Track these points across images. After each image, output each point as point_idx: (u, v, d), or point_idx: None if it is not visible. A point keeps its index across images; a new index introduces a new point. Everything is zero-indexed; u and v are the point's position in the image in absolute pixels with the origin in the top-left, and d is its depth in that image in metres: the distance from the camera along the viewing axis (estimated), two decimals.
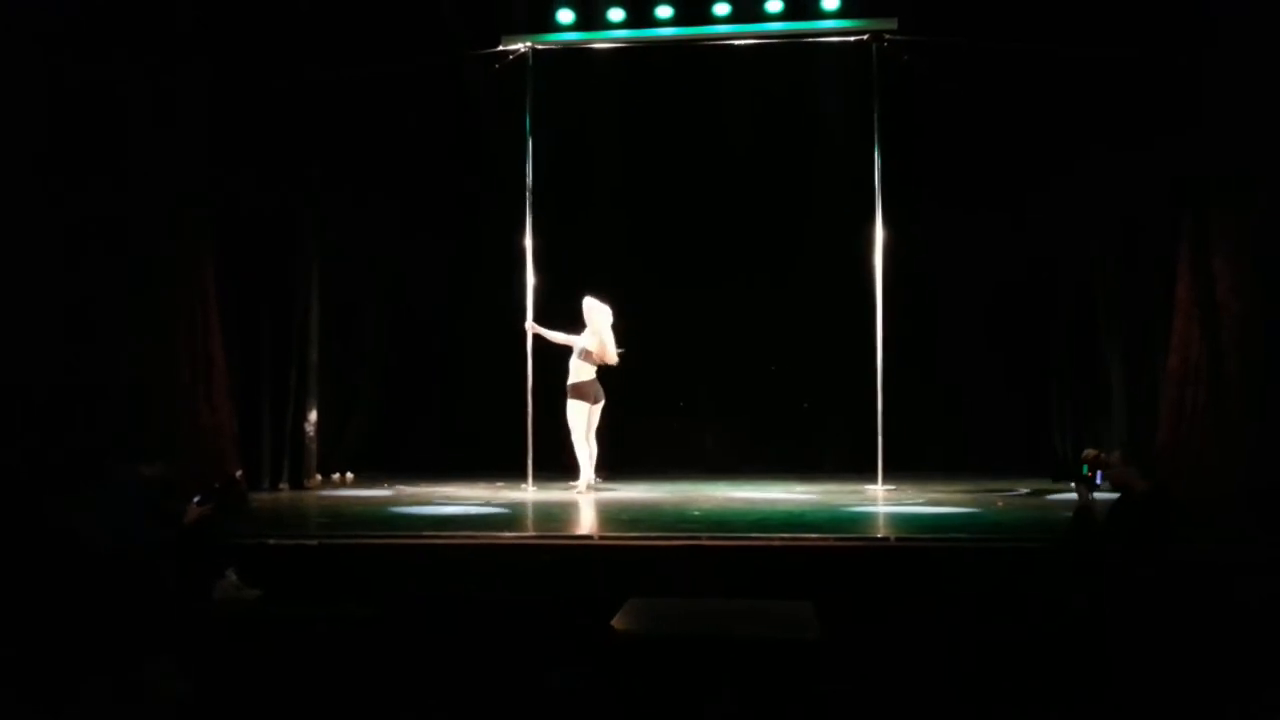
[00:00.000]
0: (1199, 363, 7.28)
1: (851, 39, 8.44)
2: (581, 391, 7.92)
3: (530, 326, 8.37)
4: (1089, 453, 4.99)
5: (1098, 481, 4.94)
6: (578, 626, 4.37)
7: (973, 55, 8.13)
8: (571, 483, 8.06)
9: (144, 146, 7.08)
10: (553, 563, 5.30)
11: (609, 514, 6.91)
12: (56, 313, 6.50)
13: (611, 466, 8.55)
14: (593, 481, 8.03)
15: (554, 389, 8.30)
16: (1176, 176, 7.65)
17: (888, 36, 8.26)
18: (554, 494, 7.99)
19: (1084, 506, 4.81)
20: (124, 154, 6.95)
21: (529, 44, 8.56)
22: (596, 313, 7.89)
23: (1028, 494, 7.73)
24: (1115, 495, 4.85)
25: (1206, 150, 7.30)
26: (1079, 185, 8.80)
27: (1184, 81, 7.37)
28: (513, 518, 6.78)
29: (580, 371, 7.94)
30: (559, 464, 8.36)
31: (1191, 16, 7.23)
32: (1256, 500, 6.29)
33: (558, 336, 8.18)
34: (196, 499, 5.08)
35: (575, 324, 8.09)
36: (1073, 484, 4.92)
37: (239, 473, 6.68)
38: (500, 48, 8.55)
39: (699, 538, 5.53)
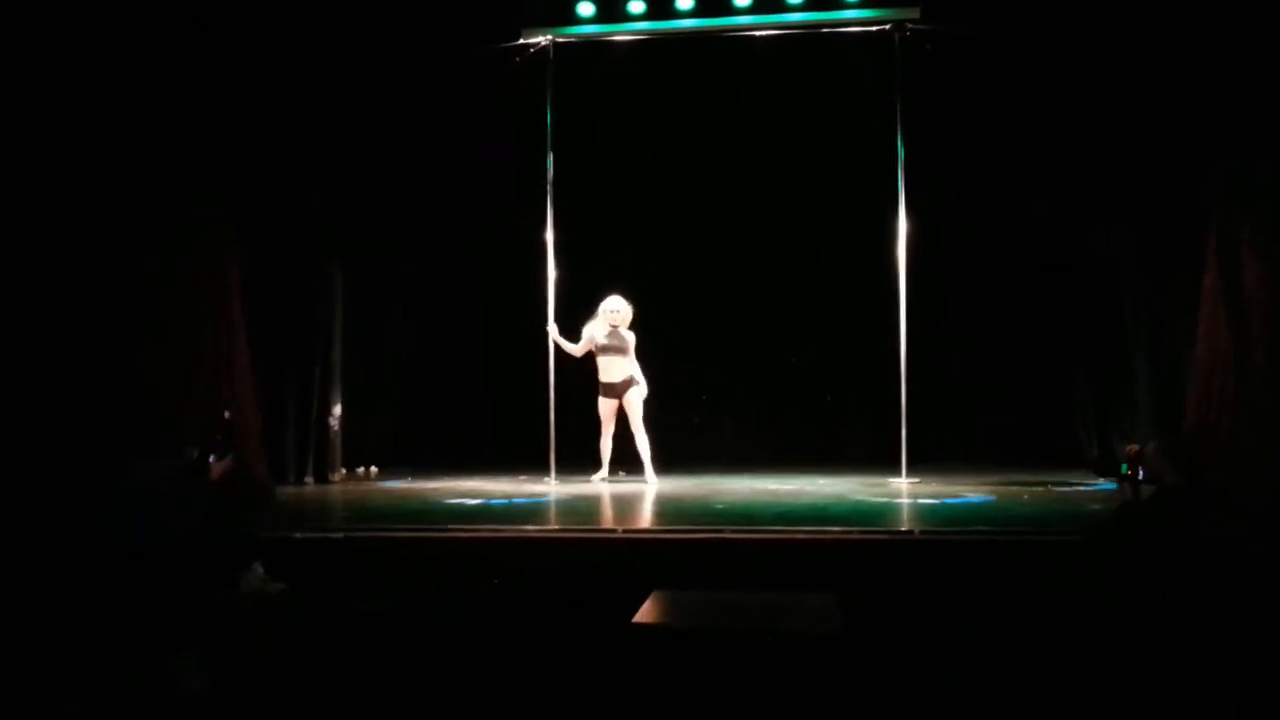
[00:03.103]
0: (1227, 351, 7.21)
1: (874, 28, 8.40)
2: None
3: (552, 331, 8.43)
4: (1132, 448, 4.90)
5: (1139, 479, 4.88)
6: (601, 619, 4.37)
7: (997, 43, 8.03)
8: (623, 474, 8.49)
9: (158, 145, 7.09)
10: (576, 556, 5.31)
11: (632, 507, 6.92)
12: (78, 313, 6.53)
13: (633, 460, 8.56)
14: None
15: (576, 382, 8.32)
16: (1202, 165, 7.56)
17: (910, 26, 8.19)
18: (577, 488, 8.00)
19: (1126, 504, 4.74)
20: (139, 153, 6.96)
21: (550, 37, 8.55)
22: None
23: (1052, 487, 7.67)
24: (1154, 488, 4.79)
25: (1232, 139, 7.21)
26: (1102, 175, 8.71)
27: (1211, 69, 7.28)
28: (537, 511, 6.80)
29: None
30: (582, 458, 8.39)
31: (1218, 2, 7.15)
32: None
33: (574, 348, 8.38)
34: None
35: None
36: (1116, 481, 4.84)
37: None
38: (521, 41, 8.55)
39: (723, 531, 5.52)
